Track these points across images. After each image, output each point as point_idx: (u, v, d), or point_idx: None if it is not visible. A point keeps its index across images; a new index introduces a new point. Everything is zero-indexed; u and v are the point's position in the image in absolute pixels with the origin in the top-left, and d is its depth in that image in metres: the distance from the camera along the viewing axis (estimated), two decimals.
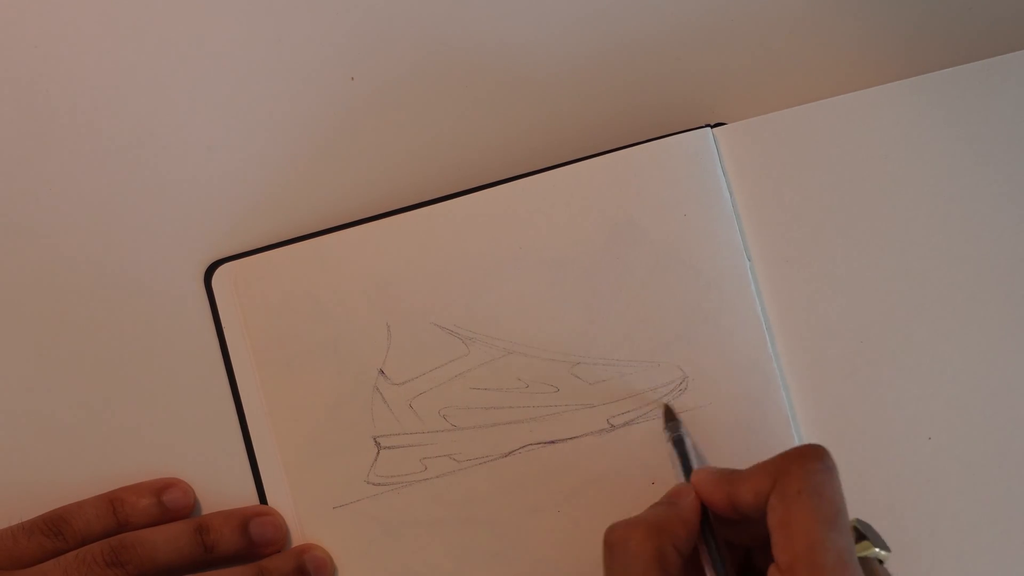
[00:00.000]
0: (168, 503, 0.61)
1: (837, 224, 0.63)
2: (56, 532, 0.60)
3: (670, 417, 0.60)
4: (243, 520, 0.61)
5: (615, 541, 0.52)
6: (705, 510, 0.54)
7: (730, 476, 0.53)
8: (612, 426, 0.62)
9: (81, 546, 0.60)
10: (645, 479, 0.62)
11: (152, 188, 0.64)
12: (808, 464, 0.50)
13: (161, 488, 0.62)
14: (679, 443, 0.58)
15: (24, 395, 0.63)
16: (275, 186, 0.64)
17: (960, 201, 0.63)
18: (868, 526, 0.52)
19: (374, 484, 0.62)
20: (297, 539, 0.62)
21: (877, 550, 0.52)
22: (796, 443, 0.61)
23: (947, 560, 0.61)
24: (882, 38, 0.65)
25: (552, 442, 0.62)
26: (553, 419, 0.62)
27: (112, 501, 0.61)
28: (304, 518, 0.62)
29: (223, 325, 0.63)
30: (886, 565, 0.52)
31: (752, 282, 0.62)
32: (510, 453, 0.62)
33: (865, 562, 0.51)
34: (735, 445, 0.61)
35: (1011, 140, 0.63)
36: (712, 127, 0.63)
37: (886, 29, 0.65)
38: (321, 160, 0.64)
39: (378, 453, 0.62)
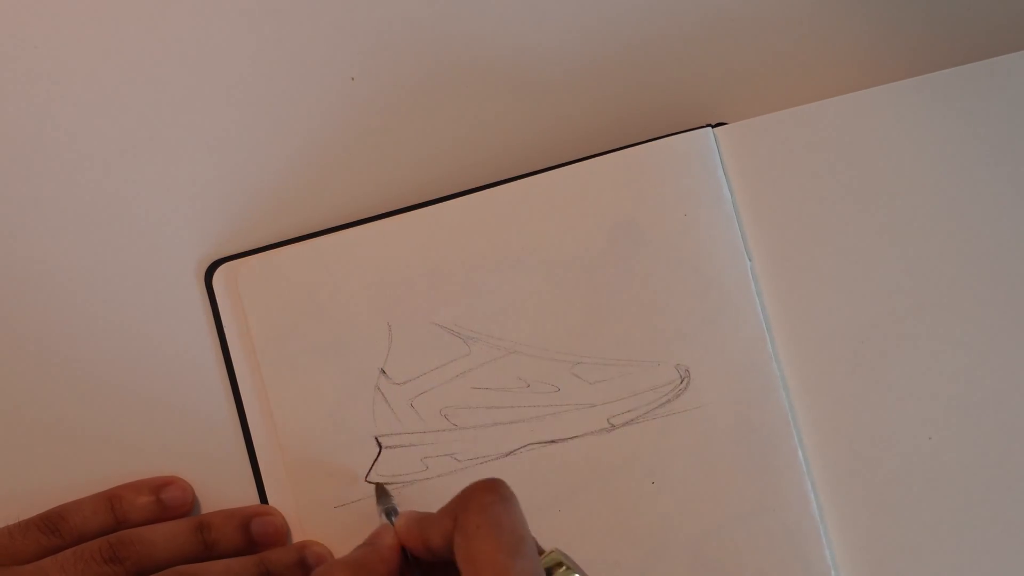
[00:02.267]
0: (166, 501, 0.61)
1: (837, 224, 0.63)
2: (53, 529, 0.60)
3: (382, 493, 0.61)
4: (244, 519, 0.61)
5: None
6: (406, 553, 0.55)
7: (422, 520, 0.54)
8: (612, 426, 0.62)
9: (79, 543, 0.60)
10: (645, 479, 0.62)
11: (152, 187, 0.64)
12: (483, 498, 0.51)
13: (159, 486, 0.62)
14: (390, 514, 0.59)
15: (23, 394, 0.63)
16: (276, 186, 0.64)
17: (960, 201, 0.63)
18: (567, 556, 0.52)
19: (375, 483, 0.62)
20: (298, 538, 0.62)
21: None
22: (796, 443, 0.61)
23: (947, 560, 0.61)
24: (882, 38, 0.65)
25: (553, 441, 0.62)
26: (554, 419, 0.62)
27: (110, 498, 0.61)
28: (305, 517, 0.62)
29: (223, 324, 0.63)
30: None
31: (752, 282, 0.62)
32: (511, 452, 0.62)
33: None
34: (735, 445, 0.61)
35: (1011, 140, 0.63)
36: (713, 127, 0.63)
37: (886, 29, 0.65)
38: (322, 160, 0.64)
39: (379, 452, 0.62)
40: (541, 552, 0.52)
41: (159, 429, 0.63)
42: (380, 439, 0.62)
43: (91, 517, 0.61)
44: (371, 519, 0.61)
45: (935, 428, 0.62)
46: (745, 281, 0.62)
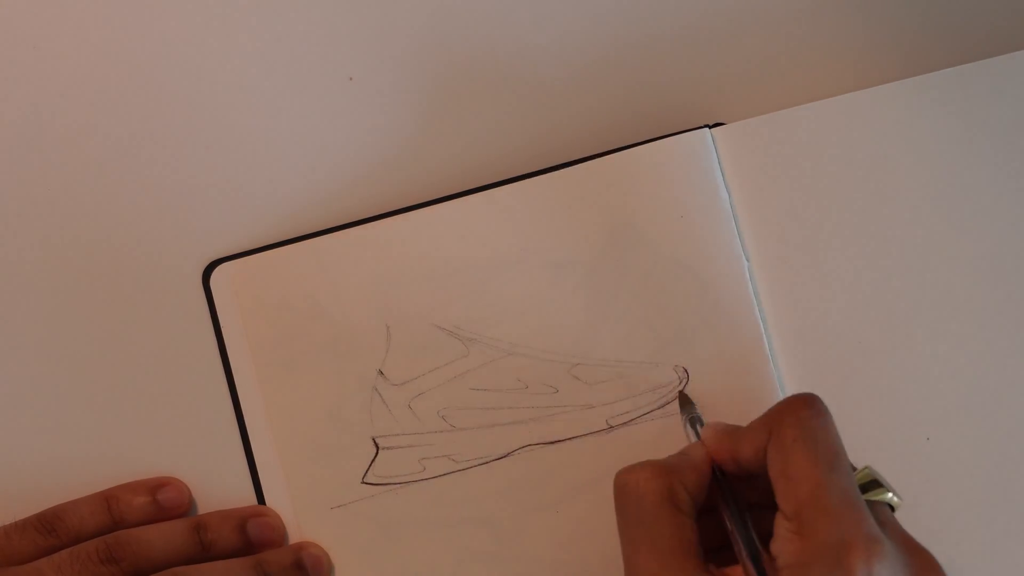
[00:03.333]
0: (163, 501, 0.61)
1: (835, 224, 0.63)
2: (50, 529, 0.60)
3: (685, 402, 0.61)
4: (241, 520, 0.61)
5: (624, 481, 0.52)
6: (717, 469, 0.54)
7: (733, 433, 0.54)
8: (611, 427, 0.62)
9: (75, 544, 0.60)
10: None
11: (150, 187, 0.64)
12: (800, 412, 0.51)
13: (156, 486, 0.62)
14: (694, 423, 0.58)
15: (22, 394, 0.63)
16: (274, 186, 0.64)
17: (959, 201, 0.63)
18: (878, 473, 0.52)
19: (372, 484, 0.62)
20: (295, 539, 0.62)
21: (889, 495, 0.52)
22: None
23: (946, 560, 0.61)
24: (881, 38, 0.65)
25: (551, 443, 0.62)
26: (552, 420, 0.62)
27: (107, 499, 0.61)
28: (302, 518, 0.62)
29: (221, 325, 0.63)
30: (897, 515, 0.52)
31: (750, 283, 0.62)
32: (509, 454, 0.62)
33: (876, 506, 0.51)
34: None
35: (1011, 140, 0.63)
36: (710, 127, 0.63)
37: (885, 29, 0.65)
38: (319, 161, 0.65)
39: (377, 453, 0.62)
40: (854, 469, 0.52)
41: (156, 429, 0.63)
42: (378, 440, 0.62)
43: (88, 517, 0.61)
44: (369, 520, 0.62)
45: (933, 428, 0.62)
46: (742, 282, 0.62)
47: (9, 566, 0.59)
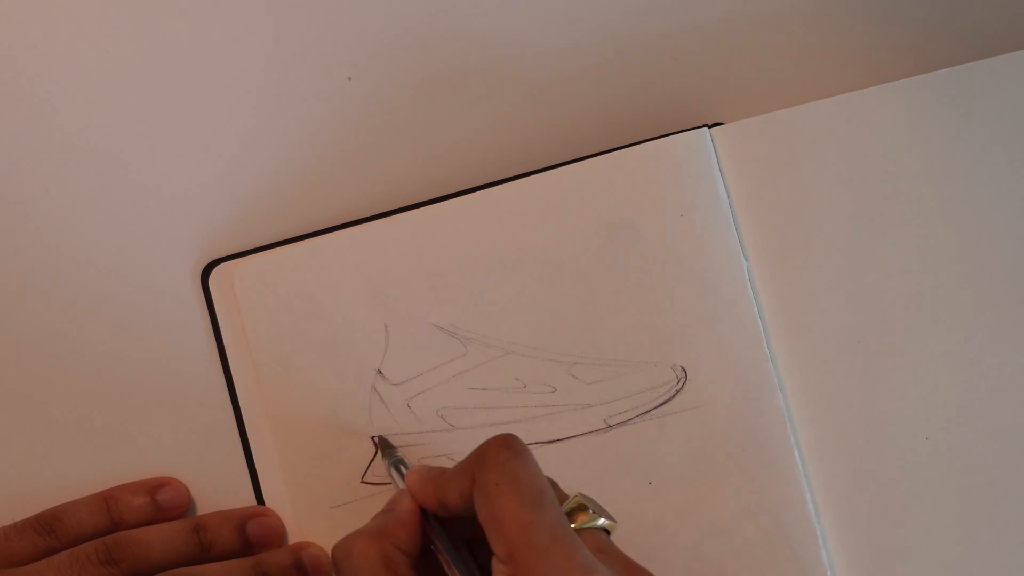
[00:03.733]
0: (162, 502, 0.61)
1: (834, 224, 0.62)
2: (49, 530, 0.60)
3: (386, 446, 0.61)
4: (240, 520, 0.61)
5: (339, 556, 0.53)
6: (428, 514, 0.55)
7: (437, 478, 0.54)
8: (609, 426, 0.62)
9: (74, 545, 0.60)
10: (642, 479, 0.62)
11: (149, 187, 0.64)
12: (499, 455, 0.51)
13: (155, 487, 0.62)
14: (398, 466, 0.59)
15: (19, 394, 0.63)
16: (272, 186, 0.64)
17: (959, 201, 0.63)
18: (590, 499, 0.52)
19: (372, 484, 0.62)
20: (294, 539, 0.62)
21: (602, 520, 0.52)
22: (792, 444, 0.61)
23: (943, 561, 0.61)
24: (881, 38, 0.65)
25: (550, 442, 0.62)
26: (551, 419, 0.62)
27: (106, 499, 0.61)
28: (302, 518, 0.62)
29: (220, 325, 0.63)
30: (613, 536, 0.52)
31: (749, 282, 0.62)
32: None
33: (590, 533, 0.51)
34: (731, 445, 0.61)
35: (1011, 140, 0.63)
36: (709, 127, 0.63)
37: (885, 29, 0.65)
38: (318, 160, 0.65)
39: (376, 453, 0.62)
40: (564, 498, 0.52)
41: (155, 429, 0.63)
42: (377, 439, 0.62)
43: (87, 518, 0.61)
44: (368, 520, 0.61)
45: (932, 428, 0.62)
46: (741, 281, 0.62)
47: (8, 567, 0.59)
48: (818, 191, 0.63)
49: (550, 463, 0.62)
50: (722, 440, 0.61)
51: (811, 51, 0.65)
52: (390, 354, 0.63)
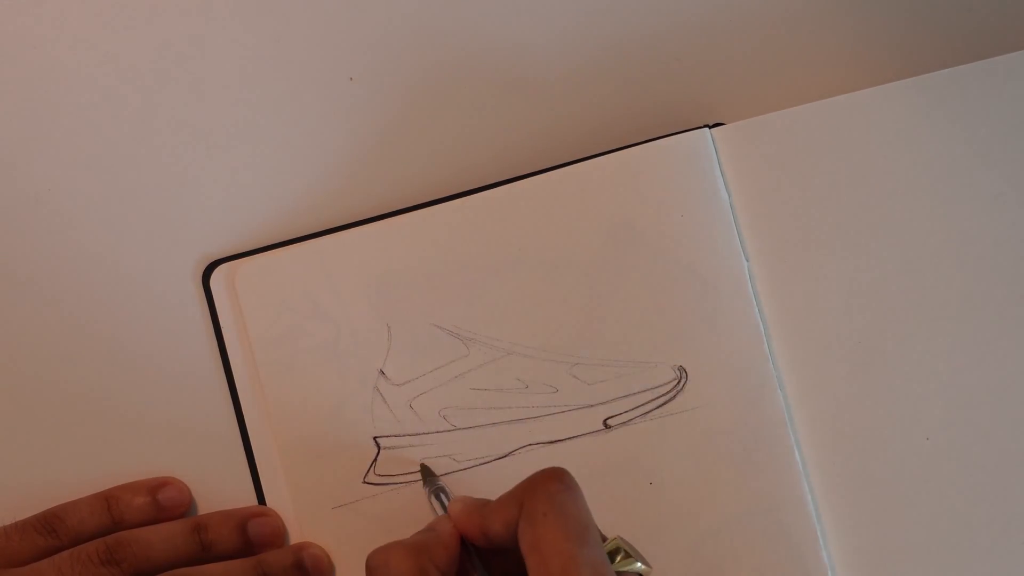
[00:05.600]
0: (163, 502, 0.61)
1: (834, 224, 0.63)
2: (50, 530, 0.60)
3: (428, 474, 0.61)
4: (241, 520, 0.61)
5: (375, 563, 0.52)
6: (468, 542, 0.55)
7: (482, 507, 0.54)
8: (610, 426, 0.62)
9: (75, 544, 0.60)
10: (643, 479, 0.62)
11: (150, 188, 0.64)
12: (550, 486, 0.51)
13: (156, 486, 0.62)
14: (439, 494, 0.59)
15: (20, 394, 0.63)
16: (274, 186, 0.64)
17: (958, 201, 0.63)
18: (628, 543, 0.53)
19: (374, 484, 0.62)
20: (296, 539, 0.62)
21: (638, 564, 0.52)
22: (792, 443, 0.61)
23: (943, 561, 0.61)
24: (881, 38, 0.65)
25: (551, 442, 0.62)
26: (552, 419, 0.62)
27: (107, 499, 0.61)
28: (303, 518, 0.62)
29: (221, 325, 0.63)
30: None
31: (749, 283, 0.62)
32: (509, 453, 0.62)
33: None
34: (731, 445, 0.61)
35: (1011, 140, 0.63)
36: (710, 127, 0.63)
37: (885, 29, 0.65)
38: (320, 161, 0.65)
39: (378, 453, 0.62)
40: (604, 539, 0.52)
41: (156, 429, 0.63)
42: (379, 440, 0.62)
43: (88, 518, 0.61)
44: (369, 520, 0.62)
45: (932, 428, 0.62)
46: (742, 282, 0.62)
47: (9, 567, 0.59)
48: (818, 191, 0.63)
49: (551, 463, 0.62)
50: (722, 440, 0.61)
51: (811, 51, 0.65)
52: (392, 354, 0.63)
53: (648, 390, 0.62)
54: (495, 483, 0.62)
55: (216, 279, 0.63)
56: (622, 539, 0.53)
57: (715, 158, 0.63)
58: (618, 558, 0.52)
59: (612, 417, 0.62)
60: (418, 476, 0.62)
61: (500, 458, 0.62)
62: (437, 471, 0.62)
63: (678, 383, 0.62)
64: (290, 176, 0.65)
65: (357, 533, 0.62)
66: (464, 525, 0.54)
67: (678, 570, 0.61)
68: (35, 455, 0.63)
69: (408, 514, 0.62)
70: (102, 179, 0.64)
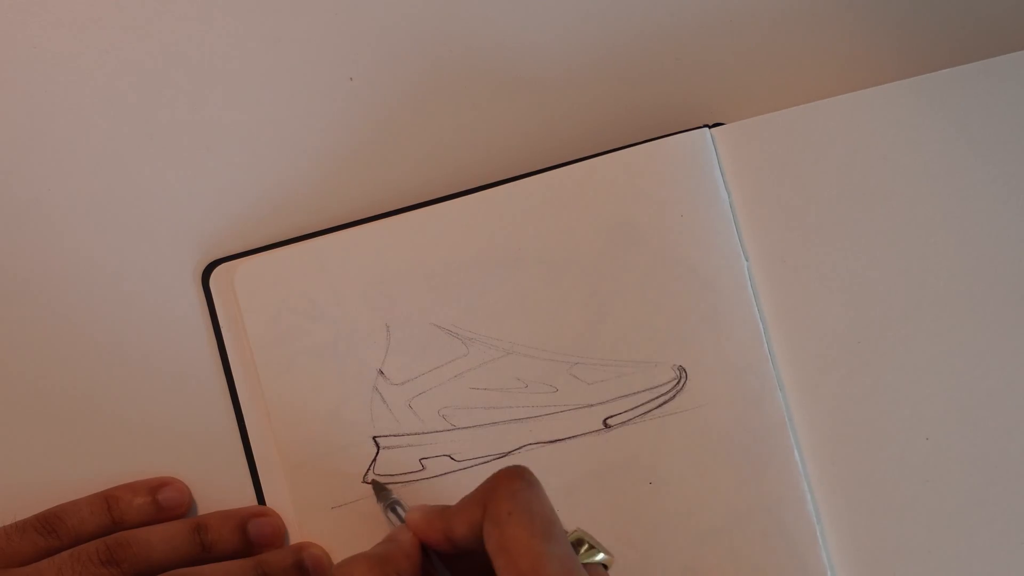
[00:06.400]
0: (163, 502, 0.61)
1: (835, 224, 0.63)
2: (50, 530, 0.60)
3: (380, 489, 0.61)
4: (241, 520, 0.61)
5: None
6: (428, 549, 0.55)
7: (442, 512, 0.54)
8: (610, 426, 0.62)
9: (75, 545, 0.60)
10: (643, 479, 0.62)
11: (150, 188, 0.64)
12: (512, 484, 0.51)
13: (156, 487, 0.62)
14: (394, 508, 0.59)
15: (20, 394, 0.63)
16: (273, 186, 0.64)
17: (959, 201, 0.63)
18: (589, 534, 0.53)
19: (372, 481, 0.62)
20: (296, 539, 0.62)
21: (601, 555, 0.52)
22: (792, 443, 0.61)
23: (943, 561, 0.61)
24: (882, 38, 0.65)
25: (551, 441, 0.62)
26: (552, 419, 0.62)
27: (107, 499, 0.61)
28: (303, 518, 0.62)
29: (220, 325, 0.63)
30: (611, 571, 0.53)
31: (749, 282, 0.62)
32: (509, 453, 0.62)
33: (591, 567, 0.52)
34: (731, 445, 0.61)
35: (1011, 140, 0.63)
36: (710, 127, 0.63)
37: (886, 29, 0.65)
38: (320, 161, 0.65)
39: (377, 453, 0.62)
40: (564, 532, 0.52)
41: (156, 429, 0.63)
42: (378, 439, 0.62)
43: (88, 518, 0.61)
44: (369, 520, 0.62)
45: (932, 428, 0.62)
46: (742, 281, 0.62)
47: (9, 567, 0.59)
48: (818, 191, 0.63)
49: (551, 463, 0.62)
50: (722, 440, 0.61)
51: (811, 51, 0.65)
52: (391, 354, 0.63)
53: (648, 390, 0.62)
54: None
55: (216, 279, 0.63)
56: (583, 531, 0.53)
57: (715, 158, 0.63)
58: (582, 549, 0.52)
59: (612, 417, 0.62)
60: (418, 476, 0.62)
61: (500, 457, 0.62)
62: (437, 471, 0.62)
63: (678, 383, 0.62)
64: (289, 176, 0.65)
65: (357, 533, 0.62)
66: (425, 532, 0.54)
67: (677, 570, 0.61)
68: (35, 455, 0.63)
69: None
70: (101, 179, 0.64)
